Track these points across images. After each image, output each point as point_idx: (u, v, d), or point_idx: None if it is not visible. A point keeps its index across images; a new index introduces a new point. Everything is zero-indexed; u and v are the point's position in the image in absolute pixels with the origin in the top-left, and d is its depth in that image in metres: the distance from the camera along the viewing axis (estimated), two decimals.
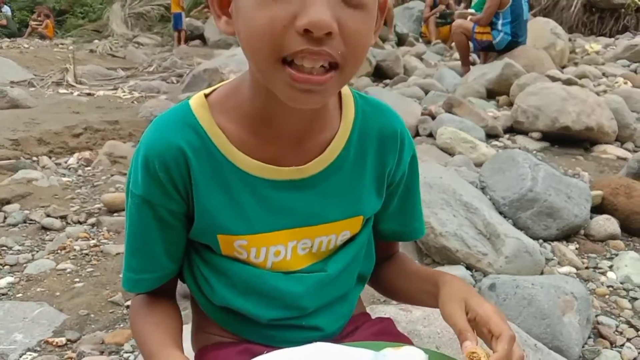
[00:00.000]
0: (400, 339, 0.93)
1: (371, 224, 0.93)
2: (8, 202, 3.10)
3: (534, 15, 9.88)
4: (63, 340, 1.89)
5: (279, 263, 0.84)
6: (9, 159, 3.90)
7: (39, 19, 14.92)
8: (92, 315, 2.06)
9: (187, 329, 0.95)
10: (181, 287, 0.96)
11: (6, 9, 15.40)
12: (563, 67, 6.36)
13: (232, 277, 0.83)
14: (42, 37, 14.25)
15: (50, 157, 4.16)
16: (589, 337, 1.84)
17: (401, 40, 9.38)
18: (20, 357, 1.80)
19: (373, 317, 1.05)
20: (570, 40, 8.10)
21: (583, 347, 1.77)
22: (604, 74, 5.85)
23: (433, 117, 3.99)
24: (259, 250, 0.82)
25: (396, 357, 0.77)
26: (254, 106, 0.77)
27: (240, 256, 0.83)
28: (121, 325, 1.99)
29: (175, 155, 0.76)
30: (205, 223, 0.80)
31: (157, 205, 0.78)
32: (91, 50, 11.44)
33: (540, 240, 2.43)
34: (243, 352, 0.85)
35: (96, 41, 12.97)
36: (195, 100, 0.80)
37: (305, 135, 0.80)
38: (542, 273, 2.19)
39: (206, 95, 0.81)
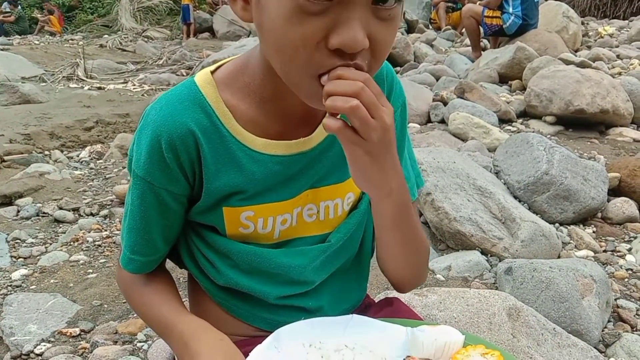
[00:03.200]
0: (416, 318, 0.92)
1: None
2: (21, 196, 3.11)
3: None
4: (77, 330, 1.89)
5: (286, 231, 0.82)
6: (22, 153, 3.93)
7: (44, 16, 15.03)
8: (105, 306, 2.05)
9: None
10: None
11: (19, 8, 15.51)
12: (576, 51, 6.25)
13: (235, 258, 0.82)
14: (52, 33, 14.33)
15: (62, 151, 4.17)
16: (609, 321, 1.80)
17: (411, 27, 9.31)
18: (35, 347, 1.80)
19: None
20: (583, 23, 7.96)
21: (603, 330, 1.73)
22: (618, 56, 5.74)
23: (445, 103, 3.94)
24: (265, 220, 0.80)
25: (433, 333, 0.76)
26: (263, 85, 0.75)
27: (247, 230, 0.81)
28: (134, 315, 1.98)
29: (185, 136, 0.73)
30: (212, 199, 0.79)
31: (159, 188, 0.77)
32: (101, 45, 11.46)
33: (557, 224, 2.38)
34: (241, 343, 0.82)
35: (106, 36, 13.01)
36: (202, 77, 0.77)
37: (312, 108, 0.78)
38: (559, 257, 2.15)
39: (212, 72, 0.78)
